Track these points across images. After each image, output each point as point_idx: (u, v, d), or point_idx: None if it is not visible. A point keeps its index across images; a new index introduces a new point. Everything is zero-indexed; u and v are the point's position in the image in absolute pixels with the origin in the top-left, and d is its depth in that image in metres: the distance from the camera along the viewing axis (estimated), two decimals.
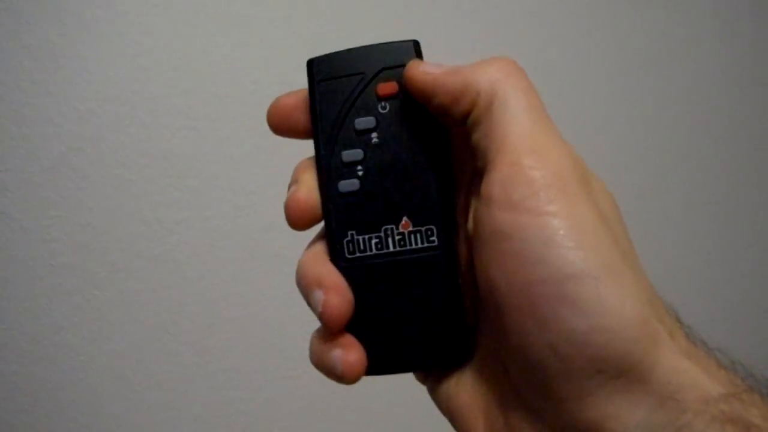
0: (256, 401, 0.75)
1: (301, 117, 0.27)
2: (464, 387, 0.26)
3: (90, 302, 0.68)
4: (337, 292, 0.25)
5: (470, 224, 0.25)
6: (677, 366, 0.21)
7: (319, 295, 0.25)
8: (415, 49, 0.27)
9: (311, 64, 0.27)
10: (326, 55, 0.27)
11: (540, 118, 0.24)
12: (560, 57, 0.88)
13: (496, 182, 0.23)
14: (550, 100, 0.25)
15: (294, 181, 0.27)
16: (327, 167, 0.26)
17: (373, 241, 0.26)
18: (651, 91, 0.94)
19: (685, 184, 0.95)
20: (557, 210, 0.22)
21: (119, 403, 0.70)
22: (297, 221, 0.26)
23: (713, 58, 0.99)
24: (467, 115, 0.24)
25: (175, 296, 0.71)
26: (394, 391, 0.78)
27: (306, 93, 0.27)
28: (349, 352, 0.25)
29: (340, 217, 0.26)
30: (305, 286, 0.26)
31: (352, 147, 0.26)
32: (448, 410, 0.27)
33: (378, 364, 0.26)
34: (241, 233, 0.73)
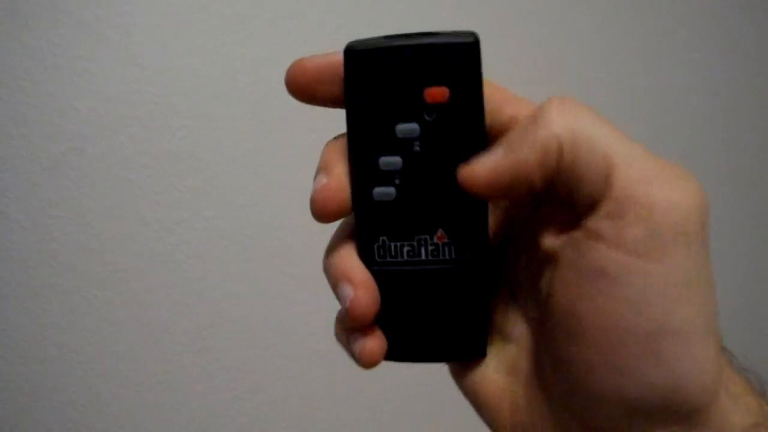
0: (256, 401, 0.75)
1: (324, 86, 0.25)
2: (493, 381, 0.26)
3: (90, 302, 0.68)
4: (366, 291, 0.24)
5: (549, 248, 0.24)
6: (727, 414, 0.21)
7: (347, 291, 0.24)
8: (472, 50, 0.23)
9: (350, 54, 0.24)
10: (369, 48, 0.24)
11: (631, 143, 0.22)
12: (559, 56, 0.88)
13: (605, 217, 0.21)
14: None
15: (323, 168, 0.25)
16: (362, 171, 0.24)
17: (405, 249, 0.25)
18: (650, 90, 0.94)
19: None
20: (672, 260, 0.20)
21: (119, 403, 0.70)
22: (325, 215, 0.25)
23: (713, 57, 0.99)
24: (553, 174, 0.22)
25: (175, 296, 0.71)
26: (394, 391, 0.78)
27: (331, 61, 0.24)
28: (369, 340, 0.25)
29: (373, 221, 0.25)
30: (333, 277, 0.25)
31: (391, 153, 0.24)
32: (473, 398, 0.27)
33: (396, 352, 0.26)
34: (241, 233, 0.73)
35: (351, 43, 0.24)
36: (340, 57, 0.24)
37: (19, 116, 0.65)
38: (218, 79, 0.72)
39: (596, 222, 0.21)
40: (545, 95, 0.25)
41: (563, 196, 0.22)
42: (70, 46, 0.67)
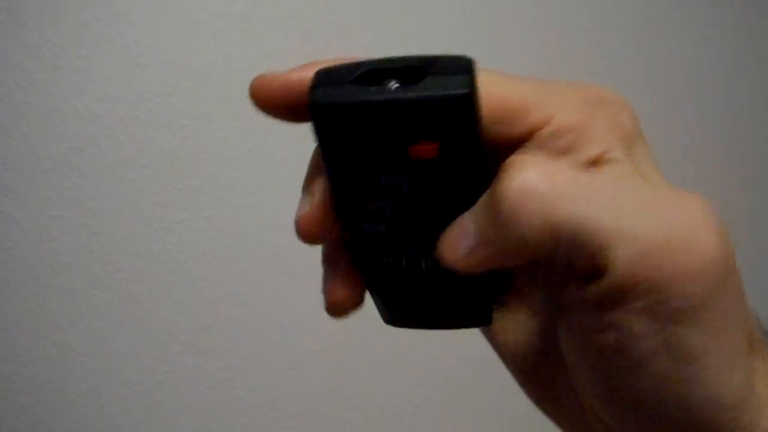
0: (256, 401, 0.75)
1: (296, 110, 0.22)
2: (509, 336, 0.26)
3: (90, 302, 0.68)
4: (343, 286, 0.23)
5: (555, 291, 0.22)
6: (755, 421, 0.20)
7: (327, 282, 0.24)
8: (463, 104, 0.19)
9: (318, 110, 0.20)
10: (339, 103, 0.20)
11: (621, 197, 0.18)
12: (559, 55, 0.88)
13: (607, 292, 0.18)
14: None
15: (307, 190, 0.23)
16: (347, 212, 0.22)
17: (403, 260, 0.24)
18: (650, 89, 0.94)
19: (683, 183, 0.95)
20: (692, 323, 0.18)
21: (119, 403, 0.70)
22: (309, 239, 0.23)
23: (713, 55, 0.98)
24: (538, 258, 0.19)
25: (175, 296, 0.71)
26: (395, 391, 0.78)
27: (300, 80, 0.21)
28: (340, 289, 0.23)
29: (363, 247, 0.23)
30: (322, 261, 0.25)
31: (377, 200, 0.22)
32: (491, 343, 0.26)
33: (398, 319, 0.26)
34: (241, 233, 0.73)
35: (317, 90, 0.20)
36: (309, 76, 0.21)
37: (19, 116, 0.65)
38: (218, 79, 0.72)
39: (597, 294, 0.18)
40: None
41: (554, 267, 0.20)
42: (70, 46, 0.67)
